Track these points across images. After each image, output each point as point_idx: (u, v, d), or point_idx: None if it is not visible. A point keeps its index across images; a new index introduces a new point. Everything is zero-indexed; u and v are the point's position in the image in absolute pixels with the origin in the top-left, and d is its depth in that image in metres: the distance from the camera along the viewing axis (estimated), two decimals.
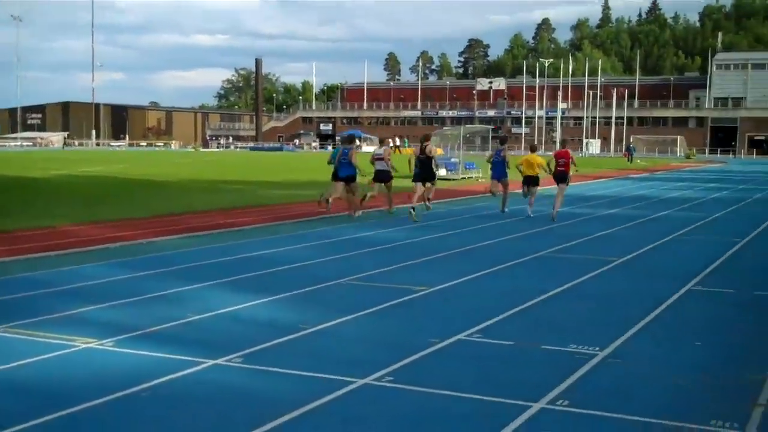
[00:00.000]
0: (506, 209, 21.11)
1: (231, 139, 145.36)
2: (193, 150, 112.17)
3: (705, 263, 12.67)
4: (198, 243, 14.48)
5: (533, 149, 22.46)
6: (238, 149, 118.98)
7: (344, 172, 19.59)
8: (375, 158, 20.55)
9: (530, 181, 20.72)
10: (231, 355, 6.93)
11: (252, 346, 7.24)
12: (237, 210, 20.80)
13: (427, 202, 20.16)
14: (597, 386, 6.28)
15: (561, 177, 19.90)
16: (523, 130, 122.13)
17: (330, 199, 19.75)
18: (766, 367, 6.86)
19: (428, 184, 19.86)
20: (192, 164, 54.63)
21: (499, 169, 21.54)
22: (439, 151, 44.01)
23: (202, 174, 39.87)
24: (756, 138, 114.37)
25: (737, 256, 13.83)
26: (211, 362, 6.74)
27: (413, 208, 18.91)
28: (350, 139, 21.11)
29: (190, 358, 6.83)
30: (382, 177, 20.29)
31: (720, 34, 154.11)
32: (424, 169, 19.63)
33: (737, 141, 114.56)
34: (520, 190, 21.40)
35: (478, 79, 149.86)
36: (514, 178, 21.93)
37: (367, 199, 20.04)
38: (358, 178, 20.14)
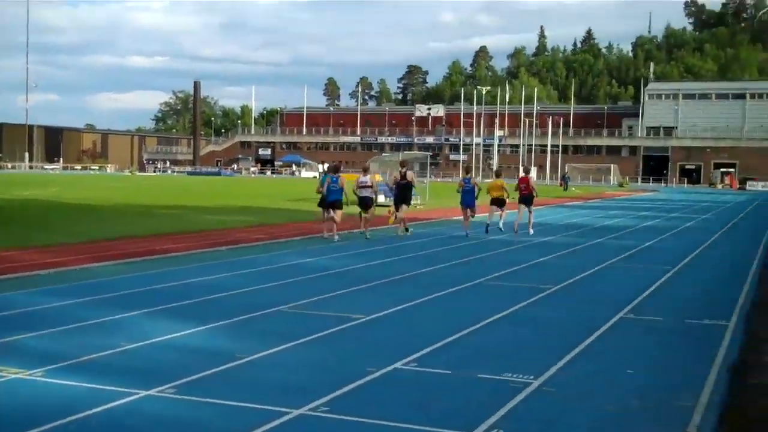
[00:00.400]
0: (469, 232, 22.67)
1: (168, 163, 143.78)
2: (129, 174, 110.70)
3: (637, 291, 12.92)
4: (132, 269, 14.26)
5: (498, 174, 25.57)
6: (175, 173, 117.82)
7: (333, 197, 20.87)
8: (360, 186, 21.93)
9: (498, 203, 23.73)
10: (164, 386, 6.82)
11: (186, 376, 7.14)
12: (173, 235, 20.55)
13: (404, 224, 22.20)
14: (531, 415, 6.35)
15: (526, 199, 23.96)
16: (461, 156, 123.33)
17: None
18: (696, 395, 7.01)
19: (404, 207, 22.06)
20: (128, 188, 53.88)
21: (469, 198, 22.81)
22: (378, 178, 44.15)
23: (137, 198, 39.32)
24: (686, 167, 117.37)
25: (668, 284, 14.13)
26: (143, 393, 6.63)
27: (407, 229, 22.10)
28: (336, 168, 21.93)
29: (122, 389, 6.71)
30: (368, 203, 21.70)
31: (652, 65, 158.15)
32: (404, 193, 22.08)
33: (668, 170, 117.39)
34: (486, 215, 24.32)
35: (417, 106, 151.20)
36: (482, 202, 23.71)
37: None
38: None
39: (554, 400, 6.77)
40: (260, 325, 9.74)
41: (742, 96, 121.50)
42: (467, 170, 24.37)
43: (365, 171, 22.84)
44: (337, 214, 20.73)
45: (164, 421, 5.99)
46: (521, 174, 25.28)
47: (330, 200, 20.91)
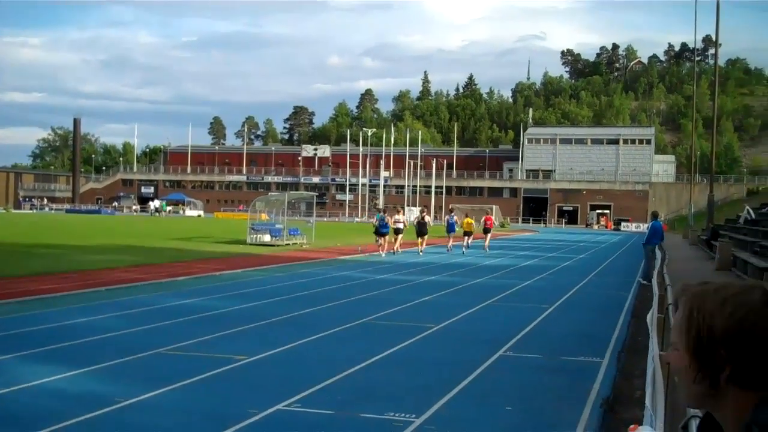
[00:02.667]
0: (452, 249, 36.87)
1: (46, 200, 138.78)
2: (3, 211, 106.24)
3: (516, 329, 13.26)
4: (6, 311, 13.70)
5: (467, 215, 41.30)
6: (53, 211, 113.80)
7: (384, 229, 33.10)
8: (395, 222, 34.72)
9: (467, 234, 38.67)
10: None
11: (61, 422, 6.92)
12: (49, 276, 19.86)
13: (421, 248, 34.74)
14: None
15: (487, 230, 41.47)
16: (347, 197, 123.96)
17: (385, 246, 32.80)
18: (570, 430, 7.25)
19: (425, 237, 35.28)
20: (2, 226, 51.71)
21: (451, 228, 38.68)
22: (264, 217, 43.92)
23: (13, 237, 37.80)
24: (564, 208, 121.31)
25: (546, 322, 14.56)
26: None
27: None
28: (384, 211, 37.30)
29: None
30: (400, 232, 34.59)
31: (531, 110, 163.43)
32: (421, 227, 35.23)
33: (547, 211, 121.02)
34: (449, 244, 38.10)
35: (304, 146, 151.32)
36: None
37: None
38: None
39: None
40: (140, 368, 9.52)
41: (615, 141, 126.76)
42: (451, 210, 41.77)
43: (399, 212, 36.32)
44: (385, 239, 32.78)
45: None
46: (486, 215, 44.14)
47: (383, 232, 32.94)
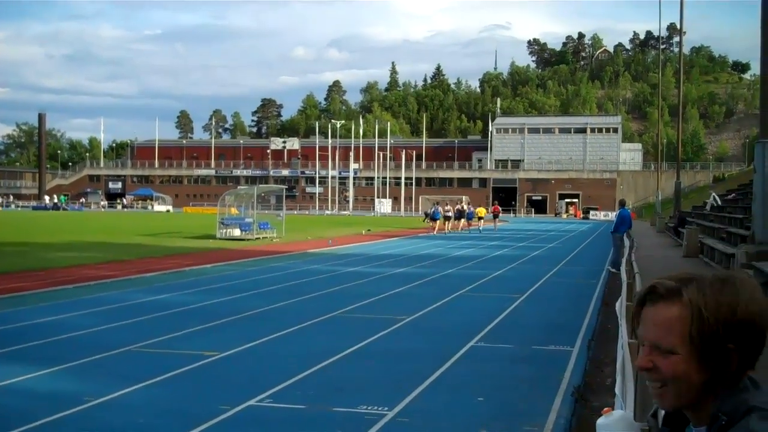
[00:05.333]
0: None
1: (11, 197, 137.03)
2: None
3: (487, 320, 13.31)
4: None
5: (480, 205, 56.43)
6: (19, 208, 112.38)
7: (437, 216, 48.00)
8: (445, 212, 49.58)
9: (480, 218, 52.59)
10: None
11: (30, 422, 6.84)
12: (15, 274, 19.61)
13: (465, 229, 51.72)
14: None
15: (495, 215, 56.58)
16: (317, 189, 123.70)
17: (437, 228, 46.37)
18: (543, 419, 7.29)
19: (463, 221, 51.67)
20: None
21: (458, 215, 51.88)
22: (233, 211, 43.69)
23: None
24: (533, 198, 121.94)
25: (516, 312, 14.63)
26: None
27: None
28: (436, 203, 49.26)
29: None
30: (447, 218, 49.49)
31: (498, 100, 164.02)
32: (460, 214, 51.83)
33: (517, 200, 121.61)
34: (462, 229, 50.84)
35: (272, 139, 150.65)
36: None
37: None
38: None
39: (408, 430, 6.88)
40: (109, 366, 9.42)
41: (583, 130, 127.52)
42: (437, 203, 53.21)
43: (446, 204, 52.67)
44: (436, 223, 47.59)
45: None
46: (493, 205, 59.88)
47: (434, 218, 48.51)
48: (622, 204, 25.20)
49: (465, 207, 54.75)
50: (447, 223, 49.46)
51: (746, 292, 1.54)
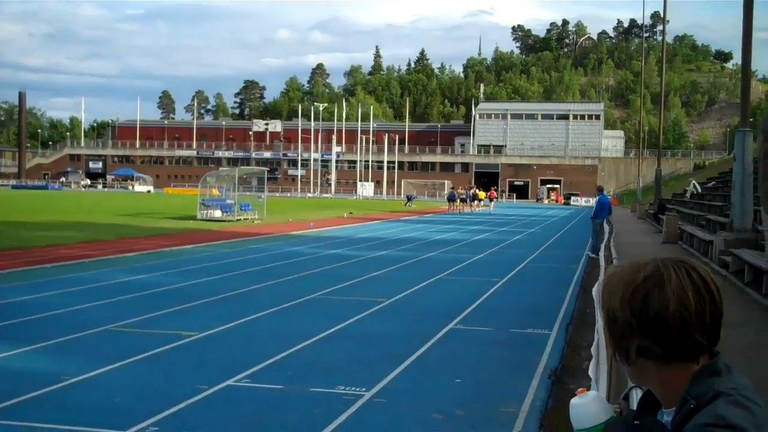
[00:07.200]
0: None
1: None
2: None
3: (466, 303, 13.36)
4: None
5: (487, 189, 71.23)
6: None
7: (452, 198, 61.01)
8: (461, 195, 61.33)
9: (480, 200, 64.44)
10: None
11: (8, 400, 6.82)
12: None
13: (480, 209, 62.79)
14: (363, 427, 6.46)
15: (491, 199, 68.24)
16: (299, 172, 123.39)
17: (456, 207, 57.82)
18: (519, 401, 7.34)
19: (475, 203, 62.75)
20: None
21: (471, 198, 61.65)
22: (215, 192, 43.55)
23: None
24: (515, 183, 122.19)
25: (496, 296, 14.69)
26: None
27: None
28: (453, 187, 67.27)
29: None
30: (464, 201, 61.03)
31: (482, 86, 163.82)
32: (474, 197, 62.97)
33: (498, 185, 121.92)
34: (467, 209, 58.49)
35: (255, 121, 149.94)
36: None
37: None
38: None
39: (385, 411, 6.91)
40: (87, 345, 9.40)
41: (565, 117, 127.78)
42: (476, 198, 63.62)
43: (462, 188, 64.54)
44: (454, 204, 59.47)
45: None
46: (491, 190, 74.41)
47: (452, 199, 60.51)
48: (600, 190, 25.33)
49: (476, 191, 65.75)
50: (462, 204, 60.37)
51: (636, 282, 1.60)
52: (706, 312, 1.57)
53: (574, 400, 1.77)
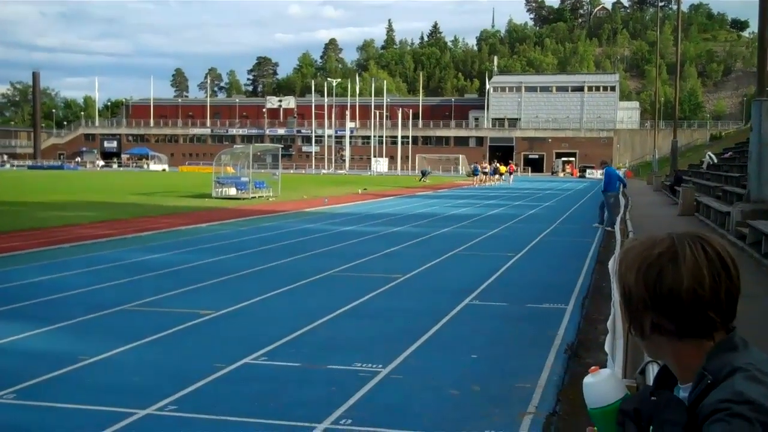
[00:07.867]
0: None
1: (6, 157, 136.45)
2: None
3: (482, 278, 13.36)
4: None
5: (507, 164, 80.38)
6: (14, 168, 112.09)
7: (476, 172, 64.66)
8: (483, 169, 66.47)
9: (501, 174, 69.98)
10: (3, 391, 6.55)
11: (26, 381, 6.88)
12: (12, 233, 19.61)
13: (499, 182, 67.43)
14: (379, 403, 6.48)
15: (510, 173, 72.54)
16: (313, 148, 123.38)
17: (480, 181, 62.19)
18: (534, 377, 7.35)
19: (497, 176, 68.88)
20: None
21: (493, 172, 68.82)
22: (229, 170, 43.63)
23: None
24: (530, 156, 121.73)
25: (511, 270, 14.68)
26: None
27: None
28: (475, 161, 74.78)
29: None
30: (487, 174, 66.94)
31: (496, 58, 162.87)
32: (496, 170, 70.01)
33: (513, 159, 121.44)
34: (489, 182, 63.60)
35: (268, 98, 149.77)
36: None
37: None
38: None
39: (401, 387, 6.93)
40: (105, 324, 9.47)
41: (580, 89, 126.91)
42: (477, 162, 72.66)
43: (482, 164, 70.16)
44: (477, 178, 63.56)
45: (3, 428, 5.75)
46: (510, 164, 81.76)
47: (475, 173, 64.56)
48: (603, 164, 25.26)
49: (497, 165, 72.24)
50: (485, 178, 65.21)
51: (652, 257, 1.59)
52: (721, 288, 1.55)
53: (587, 379, 1.77)
